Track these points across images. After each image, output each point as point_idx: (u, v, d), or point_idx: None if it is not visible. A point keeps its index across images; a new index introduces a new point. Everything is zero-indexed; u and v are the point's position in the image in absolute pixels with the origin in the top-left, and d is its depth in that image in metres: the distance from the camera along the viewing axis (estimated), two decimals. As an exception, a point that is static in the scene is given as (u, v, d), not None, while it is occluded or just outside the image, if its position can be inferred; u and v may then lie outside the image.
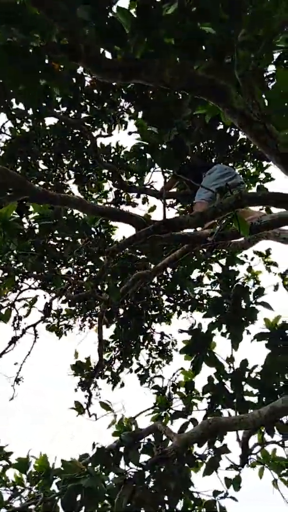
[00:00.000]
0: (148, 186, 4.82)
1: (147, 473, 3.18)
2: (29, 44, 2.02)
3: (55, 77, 2.23)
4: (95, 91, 5.02)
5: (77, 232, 3.89)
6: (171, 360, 6.72)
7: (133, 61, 1.85)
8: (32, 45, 2.02)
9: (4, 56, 2.02)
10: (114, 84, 5.03)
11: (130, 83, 1.89)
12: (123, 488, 2.72)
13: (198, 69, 1.88)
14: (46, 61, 2.21)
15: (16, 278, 4.43)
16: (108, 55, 2.02)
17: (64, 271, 5.04)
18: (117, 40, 2.12)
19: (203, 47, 2.18)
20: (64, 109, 5.00)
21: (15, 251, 3.66)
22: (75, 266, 4.17)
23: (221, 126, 5.11)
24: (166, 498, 3.23)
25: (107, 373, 6.20)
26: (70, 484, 2.72)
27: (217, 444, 3.31)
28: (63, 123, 4.97)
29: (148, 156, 2.97)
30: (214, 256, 4.99)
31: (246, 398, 3.32)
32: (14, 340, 4.78)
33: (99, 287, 3.74)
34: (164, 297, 6.32)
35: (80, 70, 5.03)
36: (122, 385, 5.94)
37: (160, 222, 2.04)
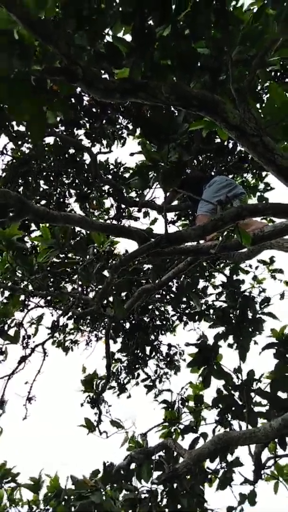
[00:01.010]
0: (149, 201, 4.86)
1: (159, 491, 3.14)
2: (30, 71, 2.07)
3: (57, 101, 2.29)
4: (94, 109, 5.12)
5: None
6: (179, 371, 6.65)
7: (130, 81, 1.89)
8: (32, 72, 2.08)
9: (4, 86, 2.07)
10: (112, 102, 5.13)
11: (127, 101, 1.93)
12: (139, 507, 2.68)
13: (194, 87, 1.92)
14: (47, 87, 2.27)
15: (22, 297, 4.45)
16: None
17: (69, 287, 5.06)
18: (114, 63, 2.19)
19: (198, 66, 2.24)
20: (63, 128, 5.10)
21: (19, 270, 3.69)
22: (80, 283, 4.19)
23: (218, 140, 5.18)
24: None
25: (113, 384, 6.15)
26: (80, 502, 2.68)
27: (229, 458, 3.27)
28: (61, 143, 5.04)
29: (150, 174, 3.02)
30: (218, 266, 4.98)
31: (256, 409, 3.29)
32: (23, 359, 4.76)
33: (104, 302, 3.75)
34: (170, 308, 6.31)
35: (78, 89, 5.15)
36: (129, 396, 5.87)
37: (162, 236, 2.06)
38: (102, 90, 1.91)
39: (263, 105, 2.56)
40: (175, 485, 3.14)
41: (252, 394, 3.31)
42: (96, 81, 1.91)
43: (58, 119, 5.26)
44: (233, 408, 3.38)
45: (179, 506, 3.13)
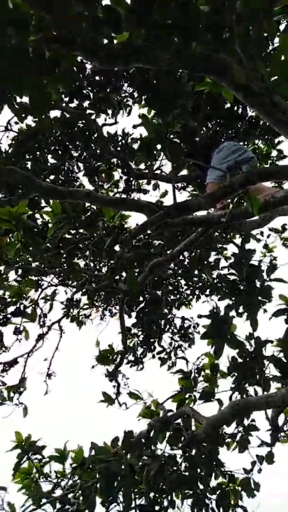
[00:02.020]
0: (158, 172, 4.77)
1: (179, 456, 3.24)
2: (27, 42, 2.00)
3: (58, 73, 2.22)
4: (97, 77, 4.97)
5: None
6: (194, 344, 6.73)
7: (131, 45, 1.82)
8: (30, 44, 2.00)
9: (3, 61, 2.01)
10: (115, 69, 4.97)
11: (130, 67, 1.86)
12: (151, 463, 2.77)
13: (197, 47, 1.83)
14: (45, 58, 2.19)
15: (36, 277, 4.50)
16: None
17: (81, 263, 5.09)
18: (113, 28, 2.09)
19: (200, 26, 2.13)
20: (66, 99, 4.98)
21: (31, 249, 3.71)
22: (91, 258, 4.20)
23: (229, 105, 5.00)
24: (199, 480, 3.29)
25: (131, 358, 6.27)
26: (99, 466, 2.79)
27: (245, 422, 3.34)
28: (67, 115, 4.94)
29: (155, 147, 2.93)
30: (228, 236, 4.92)
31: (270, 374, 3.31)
32: (41, 337, 4.88)
33: (117, 277, 3.77)
34: (183, 281, 6.32)
35: (80, 57, 4.99)
36: (142, 368, 6.00)
37: (171, 206, 2.03)
38: (103, 57, 1.84)
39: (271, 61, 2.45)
40: (193, 451, 3.24)
41: (265, 361, 3.33)
42: (96, 48, 1.84)
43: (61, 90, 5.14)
44: (248, 375, 3.42)
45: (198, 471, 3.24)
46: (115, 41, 1.99)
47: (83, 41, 1.79)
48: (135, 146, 5.39)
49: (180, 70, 1.89)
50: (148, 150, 2.12)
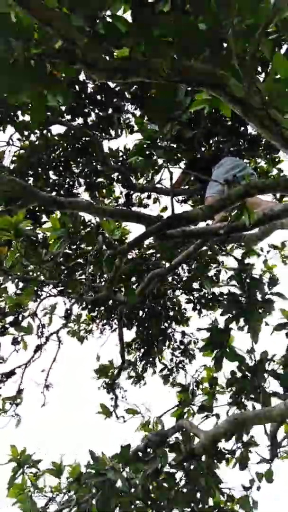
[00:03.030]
0: (158, 185, 4.82)
1: (177, 472, 3.18)
2: (29, 53, 2.06)
3: (58, 86, 2.27)
4: (98, 97, 5.08)
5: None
6: (194, 359, 6.68)
7: (130, 60, 1.87)
8: (32, 56, 2.06)
9: (4, 68, 2.07)
10: (117, 88, 5.08)
11: (128, 81, 1.90)
12: (149, 478, 2.72)
13: (195, 62, 1.88)
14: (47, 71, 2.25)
15: (35, 288, 4.50)
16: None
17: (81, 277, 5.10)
18: (113, 42, 2.15)
19: (199, 42, 2.19)
20: (68, 117, 5.08)
21: (30, 260, 3.72)
22: (90, 271, 4.21)
23: (230, 122, 5.09)
24: (198, 495, 3.22)
25: (132, 373, 6.23)
26: (95, 480, 2.73)
27: (244, 438, 3.29)
28: (71, 132, 5.03)
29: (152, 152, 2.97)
30: (228, 249, 4.94)
31: (270, 389, 3.27)
32: (38, 348, 4.85)
33: (116, 288, 3.77)
34: (183, 297, 6.31)
35: (82, 77, 5.11)
36: (145, 383, 5.95)
37: (169, 217, 2.05)
38: (103, 71, 1.89)
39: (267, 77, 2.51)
40: (192, 466, 3.18)
41: (265, 375, 3.31)
42: (96, 62, 1.89)
43: (64, 108, 5.26)
44: (247, 390, 3.39)
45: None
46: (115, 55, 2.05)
47: (83, 55, 1.84)
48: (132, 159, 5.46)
49: (178, 83, 1.93)
50: (142, 154, 2.15)
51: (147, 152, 2.35)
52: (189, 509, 3.28)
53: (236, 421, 2.65)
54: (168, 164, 2.20)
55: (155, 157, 2.43)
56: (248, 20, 1.82)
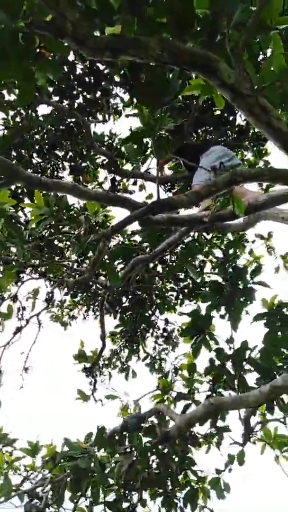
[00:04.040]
0: (145, 173, 4.79)
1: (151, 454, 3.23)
2: (17, 28, 1.99)
3: (47, 60, 2.21)
4: (87, 79, 4.96)
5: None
6: (177, 346, 6.75)
7: (121, 38, 1.82)
8: (21, 30, 1.99)
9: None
10: (106, 71, 4.97)
11: (118, 60, 1.86)
12: (123, 458, 2.76)
13: (187, 44, 1.85)
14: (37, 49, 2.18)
15: (16, 270, 4.44)
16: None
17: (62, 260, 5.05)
18: (105, 19, 2.10)
19: (194, 26, 2.15)
20: (56, 98, 4.96)
21: (12, 241, 3.66)
22: (73, 255, 4.17)
23: (218, 112, 5.07)
24: (169, 477, 3.29)
25: (118, 363, 6.27)
26: (69, 463, 2.77)
27: (219, 423, 3.37)
28: (56, 112, 4.92)
29: (145, 140, 2.94)
30: (215, 240, 4.97)
31: (248, 378, 3.35)
32: (18, 330, 4.82)
33: (98, 272, 3.75)
34: (167, 286, 6.33)
35: (71, 57, 4.98)
36: (134, 374, 5.98)
37: (154, 202, 2.03)
38: (92, 48, 1.84)
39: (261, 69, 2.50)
40: (165, 449, 3.24)
41: (244, 364, 3.37)
42: (86, 38, 1.84)
43: (51, 89, 5.12)
44: (224, 377, 3.45)
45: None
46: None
47: (73, 30, 1.79)
48: (122, 148, 5.41)
49: (170, 67, 1.90)
50: (136, 140, 2.12)
51: (141, 140, 2.32)
52: (161, 490, 3.36)
53: (212, 405, 2.70)
54: (158, 151, 2.17)
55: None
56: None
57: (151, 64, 2.17)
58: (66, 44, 2.03)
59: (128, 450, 3.25)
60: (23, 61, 2.09)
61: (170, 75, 2.20)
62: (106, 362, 6.18)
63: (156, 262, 5.55)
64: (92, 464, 2.87)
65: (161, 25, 2.08)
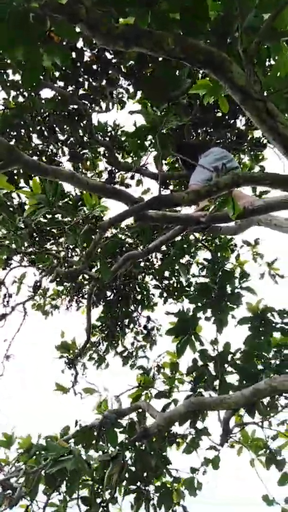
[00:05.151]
0: (142, 167, 4.77)
1: (128, 451, 3.23)
2: (30, 8, 1.94)
3: (56, 46, 2.16)
4: (94, 67, 4.91)
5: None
6: (155, 345, 6.77)
7: (134, 28, 1.80)
8: (32, 11, 1.94)
9: (2, 23, 1.94)
10: (113, 61, 4.93)
11: (129, 50, 1.83)
12: (112, 465, 2.75)
13: (200, 42, 1.84)
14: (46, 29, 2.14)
15: (6, 256, 4.38)
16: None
17: (54, 250, 5.00)
18: (119, 8, 2.07)
19: (206, 25, 2.14)
20: (61, 83, 4.89)
21: (4, 227, 3.60)
22: (66, 245, 4.13)
23: (220, 114, 5.07)
24: (145, 475, 3.30)
25: (94, 355, 6.25)
26: (55, 468, 2.74)
27: (199, 425, 3.38)
28: (59, 97, 4.85)
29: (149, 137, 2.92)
30: (204, 242, 4.99)
31: (228, 380, 3.37)
32: (3, 316, 4.76)
33: (90, 265, 3.72)
34: (151, 283, 6.34)
35: (79, 44, 4.92)
36: (107, 365, 5.98)
37: (155, 198, 2.02)
38: (105, 35, 1.81)
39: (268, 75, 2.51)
40: (143, 446, 3.25)
41: (226, 366, 3.39)
42: (99, 24, 1.81)
43: (57, 74, 5.05)
44: (206, 378, 3.47)
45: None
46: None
47: (87, 16, 1.75)
48: (124, 139, 5.37)
49: (181, 63, 1.89)
50: (140, 137, 2.10)
51: (145, 136, 2.30)
52: (135, 487, 3.36)
53: (193, 405, 2.71)
54: (161, 149, 2.15)
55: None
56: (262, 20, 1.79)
57: (160, 58, 2.15)
58: (77, 30, 2.00)
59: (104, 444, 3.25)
60: (32, 42, 2.05)
61: (178, 72, 2.19)
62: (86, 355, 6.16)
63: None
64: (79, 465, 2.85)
65: (173, 21, 2.07)
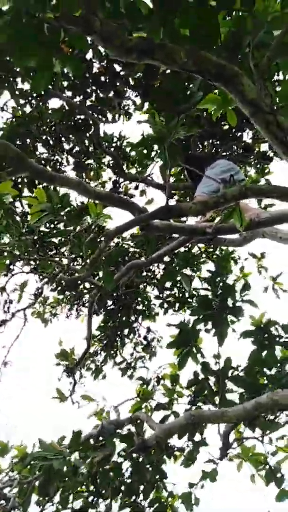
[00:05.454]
0: (147, 178, 4.80)
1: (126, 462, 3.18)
2: (44, 17, 1.98)
3: (69, 56, 2.20)
4: (102, 78, 4.98)
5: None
6: (155, 356, 6.71)
7: (148, 41, 1.83)
8: (46, 20, 1.98)
9: (17, 28, 1.97)
10: (122, 73, 5.00)
11: (142, 62, 1.86)
12: (96, 465, 2.71)
13: (212, 55, 1.87)
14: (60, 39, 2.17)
15: (8, 261, 4.37)
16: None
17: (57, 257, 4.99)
18: (133, 22, 2.11)
19: (218, 40, 2.18)
20: (69, 93, 4.96)
21: (7, 233, 3.60)
22: (68, 253, 4.13)
23: (227, 127, 5.13)
24: (141, 488, 3.25)
25: (92, 365, 6.19)
26: (42, 463, 2.70)
27: (197, 438, 3.34)
28: (66, 106, 4.91)
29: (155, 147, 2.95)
30: (209, 255, 4.99)
31: (228, 396, 3.33)
32: (3, 322, 4.74)
33: (92, 273, 3.71)
34: (153, 294, 6.31)
35: (89, 56, 5.00)
36: (104, 376, 5.92)
37: (163, 207, 2.03)
38: (119, 47, 1.84)
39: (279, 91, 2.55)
40: (140, 458, 3.20)
41: (226, 381, 3.36)
42: (113, 37, 1.84)
43: (65, 83, 5.12)
44: (206, 392, 3.44)
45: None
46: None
47: (101, 27, 1.79)
48: (129, 149, 5.42)
49: (192, 75, 1.92)
50: (146, 147, 2.12)
51: (151, 146, 2.33)
52: (130, 500, 3.30)
53: (193, 417, 2.68)
54: (169, 159, 2.17)
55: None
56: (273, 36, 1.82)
57: (169, 71, 2.18)
58: (90, 41, 2.04)
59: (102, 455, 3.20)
60: (46, 53, 2.08)
61: (189, 84, 2.23)
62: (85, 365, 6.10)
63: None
64: (65, 468, 2.80)
65: (185, 37, 2.11)
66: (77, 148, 5.34)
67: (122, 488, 3.23)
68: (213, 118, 2.75)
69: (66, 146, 5.35)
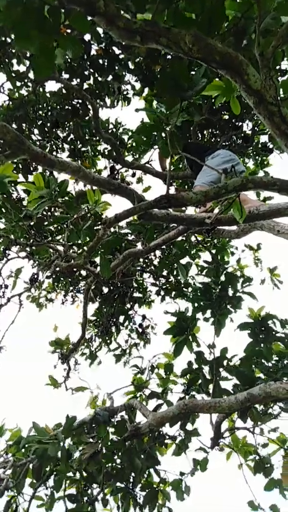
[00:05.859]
0: (145, 165, 4.74)
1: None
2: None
3: (68, 37, 2.14)
4: (101, 61, 4.86)
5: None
6: (149, 343, 6.75)
7: (152, 24, 1.77)
8: (48, 2, 1.91)
9: (18, 12, 1.91)
10: (120, 56, 4.89)
11: (145, 46, 1.81)
12: (86, 446, 2.74)
13: (218, 42, 1.82)
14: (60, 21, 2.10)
15: (4, 246, 4.33)
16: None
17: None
18: (137, 5, 2.05)
19: (223, 27, 2.13)
20: (66, 76, 4.84)
21: (5, 217, 3.56)
22: (64, 241, 4.10)
23: (227, 117, 5.06)
24: (133, 474, 3.29)
25: (86, 351, 6.22)
26: (36, 446, 2.72)
27: (189, 427, 3.38)
28: (64, 90, 4.80)
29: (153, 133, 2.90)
30: (206, 244, 4.97)
31: (222, 385, 3.36)
32: (-2, 307, 4.71)
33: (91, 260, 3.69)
34: (149, 281, 6.31)
35: (87, 37, 4.87)
36: (100, 363, 5.95)
37: (163, 196, 2.00)
38: (122, 29, 1.79)
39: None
40: (132, 445, 3.23)
41: (221, 370, 3.38)
42: (117, 18, 1.78)
43: (63, 61, 4.99)
44: (200, 381, 3.46)
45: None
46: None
47: (105, 8, 1.73)
48: (126, 137, 5.35)
49: (197, 62, 1.87)
50: (145, 133, 2.08)
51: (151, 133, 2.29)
52: (122, 485, 3.35)
53: (186, 407, 2.70)
54: (172, 145, 2.14)
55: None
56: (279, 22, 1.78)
57: (172, 56, 2.12)
58: (93, 22, 1.97)
59: (94, 440, 3.23)
60: (45, 35, 2.02)
61: (190, 71, 2.18)
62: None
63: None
64: (59, 453, 2.82)
65: (190, 20, 2.05)
66: (72, 136, 5.25)
67: (114, 473, 3.28)
68: (216, 105, 2.70)
69: (61, 134, 5.26)
